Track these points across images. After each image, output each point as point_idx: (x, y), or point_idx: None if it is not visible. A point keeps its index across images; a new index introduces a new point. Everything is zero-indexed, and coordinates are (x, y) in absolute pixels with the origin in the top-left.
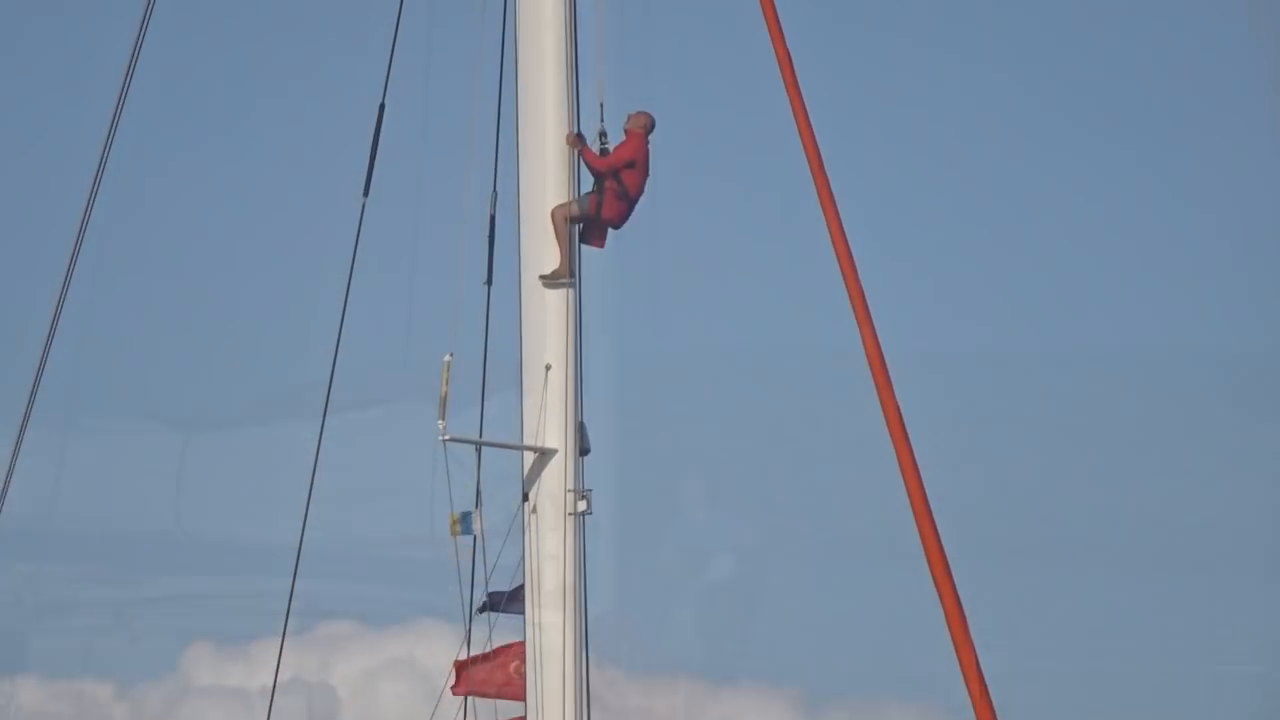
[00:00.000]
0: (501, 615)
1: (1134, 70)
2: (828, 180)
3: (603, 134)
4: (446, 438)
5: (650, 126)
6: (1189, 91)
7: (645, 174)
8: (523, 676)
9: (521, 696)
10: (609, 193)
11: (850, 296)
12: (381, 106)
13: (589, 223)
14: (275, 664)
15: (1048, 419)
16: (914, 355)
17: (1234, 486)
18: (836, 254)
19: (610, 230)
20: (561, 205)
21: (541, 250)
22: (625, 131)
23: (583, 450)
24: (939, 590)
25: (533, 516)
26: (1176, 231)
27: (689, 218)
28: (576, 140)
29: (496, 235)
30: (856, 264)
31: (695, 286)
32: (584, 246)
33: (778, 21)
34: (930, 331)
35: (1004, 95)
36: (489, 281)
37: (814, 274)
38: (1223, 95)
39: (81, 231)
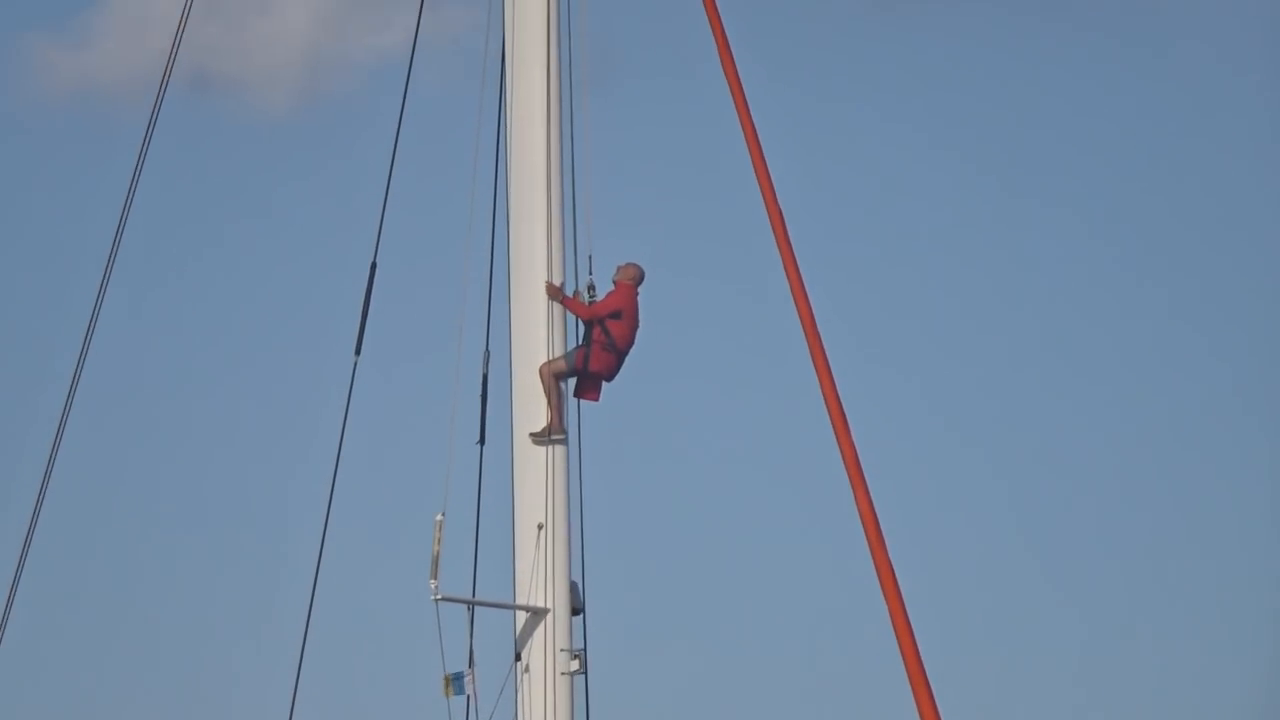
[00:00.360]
0: None
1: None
2: (820, 337)
3: (591, 287)
4: (439, 597)
5: (639, 278)
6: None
7: (634, 325)
8: None
9: None
10: (596, 344)
11: (844, 457)
12: (373, 265)
13: (581, 376)
14: None
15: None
16: (909, 514)
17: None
18: (830, 416)
19: (605, 384)
20: (548, 362)
21: (533, 408)
22: (614, 283)
23: (575, 609)
24: None
25: (525, 676)
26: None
27: (685, 371)
28: (556, 290)
29: (490, 393)
30: (850, 425)
31: (691, 442)
32: (579, 401)
33: (769, 178)
34: (926, 490)
35: (1000, 229)
36: (482, 441)
37: (808, 430)
38: (1215, 181)
39: (75, 380)
